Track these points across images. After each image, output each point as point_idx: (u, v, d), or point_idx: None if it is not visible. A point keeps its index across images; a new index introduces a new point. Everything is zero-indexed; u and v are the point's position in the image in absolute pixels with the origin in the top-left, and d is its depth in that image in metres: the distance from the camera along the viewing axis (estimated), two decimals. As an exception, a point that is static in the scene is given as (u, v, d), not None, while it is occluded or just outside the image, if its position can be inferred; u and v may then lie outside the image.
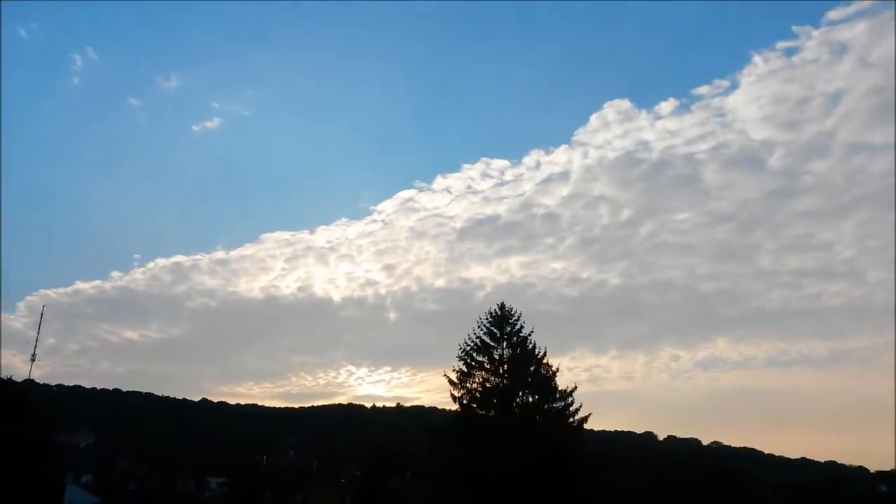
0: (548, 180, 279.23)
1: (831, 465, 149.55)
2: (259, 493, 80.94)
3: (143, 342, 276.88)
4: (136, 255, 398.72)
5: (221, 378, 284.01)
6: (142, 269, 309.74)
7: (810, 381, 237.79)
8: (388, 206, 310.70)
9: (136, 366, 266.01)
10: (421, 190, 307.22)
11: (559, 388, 40.81)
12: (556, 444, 38.81)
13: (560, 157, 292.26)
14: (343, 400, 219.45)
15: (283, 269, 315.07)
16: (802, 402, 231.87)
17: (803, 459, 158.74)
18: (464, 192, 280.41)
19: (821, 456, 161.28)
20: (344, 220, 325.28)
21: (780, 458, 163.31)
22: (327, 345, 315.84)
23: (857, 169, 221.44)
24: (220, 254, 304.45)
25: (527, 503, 35.74)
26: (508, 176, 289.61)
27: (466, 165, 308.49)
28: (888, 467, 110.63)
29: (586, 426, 41.30)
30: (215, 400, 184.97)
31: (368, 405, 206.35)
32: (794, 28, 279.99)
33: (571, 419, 40.18)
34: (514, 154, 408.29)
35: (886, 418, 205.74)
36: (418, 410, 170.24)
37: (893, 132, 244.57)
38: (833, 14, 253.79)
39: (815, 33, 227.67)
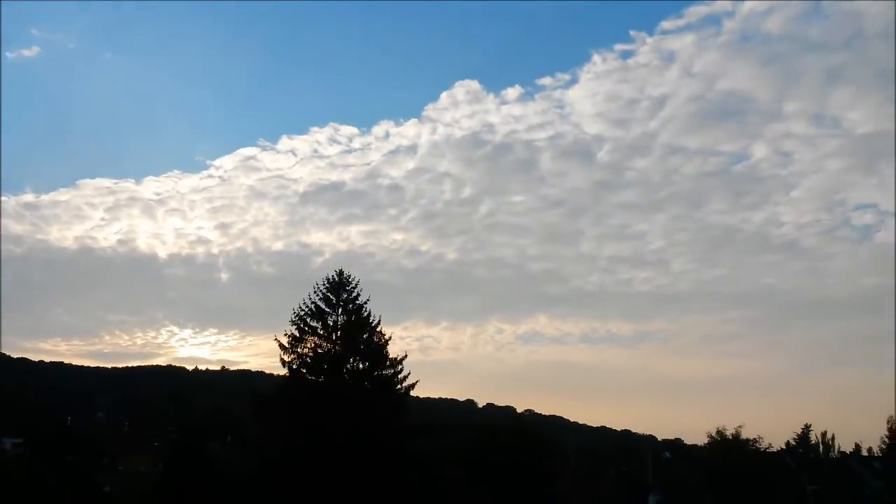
0: (395, 152, 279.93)
1: (626, 433, 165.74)
2: (61, 455, 75.22)
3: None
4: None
5: (23, 332, 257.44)
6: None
7: (615, 358, 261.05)
8: (227, 162, 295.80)
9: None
10: (264, 149, 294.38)
11: (390, 356, 41.88)
12: (382, 409, 39.90)
13: (409, 131, 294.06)
14: (162, 361, 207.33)
15: (103, 219, 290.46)
16: (607, 377, 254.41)
17: (603, 427, 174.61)
18: (310, 155, 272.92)
19: (618, 425, 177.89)
20: (176, 172, 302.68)
21: (584, 425, 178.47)
22: (148, 303, 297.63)
23: (672, 169, 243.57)
24: (29, 196, 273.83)
25: (350, 467, 36.46)
26: (357, 144, 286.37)
27: (315, 129, 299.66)
28: (673, 436, 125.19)
29: (413, 393, 42.88)
30: (15, 356, 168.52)
31: (190, 367, 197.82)
32: (631, 32, 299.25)
33: (399, 386, 41.44)
34: (364, 122, 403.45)
35: (676, 393, 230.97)
36: (244, 374, 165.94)
37: (706, 138, 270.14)
38: (666, 24, 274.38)
39: (649, 40, 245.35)
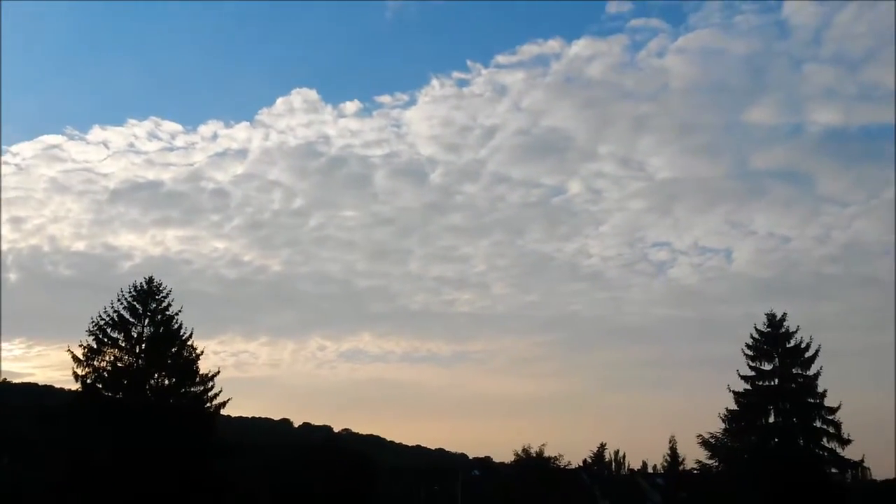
0: (223, 154, 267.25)
1: (440, 452, 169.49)
2: None
3: None
4: None
5: None
6: None
7: (434, 377, 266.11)
8: (25, 150, 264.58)
9: None
10: (72, 138, 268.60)
11: (201, 372, 39.81)
12: (188, 428, 37.69)
13: (240, 134, 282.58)
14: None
15: None
16: (425, 396, 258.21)
17: (418, 446, 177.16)
18: (124, 149, 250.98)
19: (433, 443, 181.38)
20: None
21: (400, 444, 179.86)
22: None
23: (497, 196, 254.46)
24: None
25: (147, 490, 33.98)
26: (180, 142, 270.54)
27: (132, 121, 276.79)
28: (483, 454, 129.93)
29: (225, 411, 40.92)
30: None
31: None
32: (468, 62, 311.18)
33: (209, 404, 39.44)
34: (190, 120, 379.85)
35: (489, 412, 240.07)
36: (29, 388, 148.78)
37: (529, 170, 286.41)
38: (501, 58, 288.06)
39: (484, 71, 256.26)
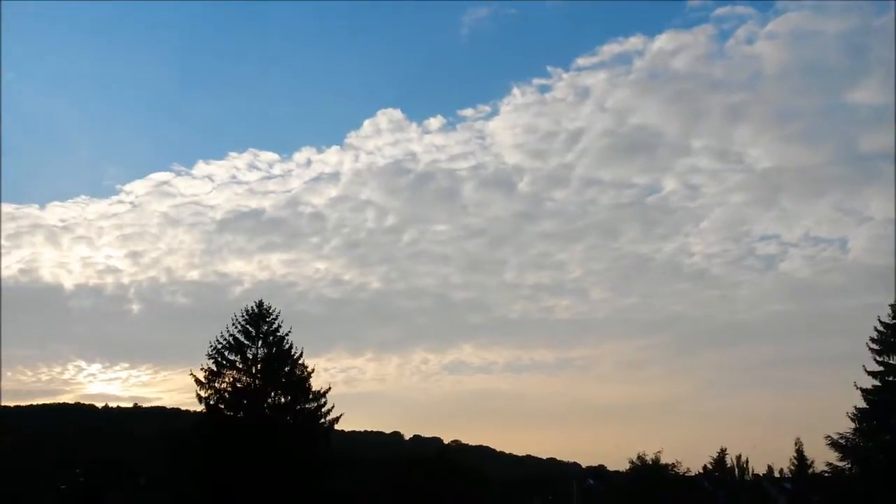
0: (317, 179, 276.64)
1: (551, 462, 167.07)
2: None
3: None
4: None
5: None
6: None
7: (539, 385, 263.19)
8: (138, 188, 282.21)
9: None
10: (179, 174, 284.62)
11: (314, 389, 41.07)
12: (305, 444, 38.93)
13: (331, 158, 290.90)
14: (69, 398, 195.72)
15: (4, 247, 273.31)
16: (531, 404, 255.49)
17: (528, 456, 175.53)
18: (227, 181, 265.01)
19: (543, 453, 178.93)
20: (83, 197, 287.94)
21: (510, 455, 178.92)
22: (53, 337, 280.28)
23: (588, 200, 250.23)
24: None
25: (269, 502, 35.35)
26: (277, 170, 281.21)
27: (233, 154, 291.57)
28: (596, 462, 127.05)
29: (338, 426, 42.04)
30: None
31: (100, 405, 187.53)
32: (548, 68, 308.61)
33: (323, 420, 40.59)
34: (285, 149, 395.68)
35: (598, 419, 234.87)
36: (158, 411, 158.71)
37: (619, 171, 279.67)
38: (581, 60, 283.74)
39: (565, 75, 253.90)
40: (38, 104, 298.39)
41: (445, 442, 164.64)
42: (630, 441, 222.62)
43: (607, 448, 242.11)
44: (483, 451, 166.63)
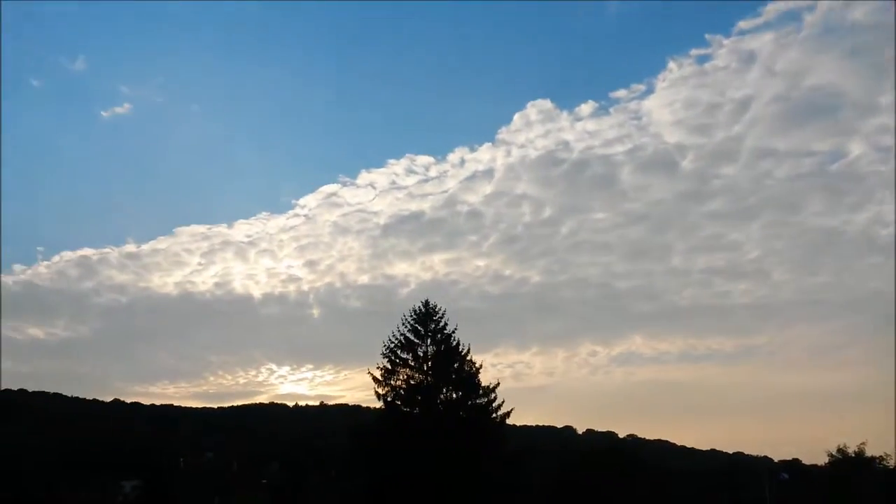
0: (472, 178, 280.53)
1: (738, 456, 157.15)
2: (176, 496, 78.50)
3: (49, 340, 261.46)
4: (40, 248, 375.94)
5: (134, 378, 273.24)
6: (46, 262, 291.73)
7: (718, 375, 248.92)
8: (310, 201, 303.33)
9: (43, 365, 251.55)
10: (345, 184, 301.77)
11: (482, 385, 41.59)
12: (478, 439, 39.48)
13: (484, 155, 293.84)
14: (264, 399, 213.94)
15: (200, 263, 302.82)
16: (711, 395, 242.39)
17: (712, 450, 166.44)
18: (388, 187, 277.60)
19: (729, 447, 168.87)
20: (264, 214, 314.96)
21: (692, 449, 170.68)
22: (247, 343, 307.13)
23: (762, 173, 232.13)
24: (130, 247, 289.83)
25: (448, 497, 36.16)
26: (433, 172, 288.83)
27: (391, 161, 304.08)
28: (789, 456, 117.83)
29: (509, 421, 42.20)
30: (128, 400, 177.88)
31: (291, 404, 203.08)
32: (706, 36, 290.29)
33: (494, 415, 40.97)
34: (439, 150, 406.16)
35: (788, 410, 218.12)
36: (342, 409, 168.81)
37: (796, 139, 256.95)
38: (743, 24, 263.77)
39: (725, 41, 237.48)
40: (218, 133, 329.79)
41: (620, 436, 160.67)
42: (827, 432, 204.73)
43: (801, 440, 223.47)
44: (662, 446, 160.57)
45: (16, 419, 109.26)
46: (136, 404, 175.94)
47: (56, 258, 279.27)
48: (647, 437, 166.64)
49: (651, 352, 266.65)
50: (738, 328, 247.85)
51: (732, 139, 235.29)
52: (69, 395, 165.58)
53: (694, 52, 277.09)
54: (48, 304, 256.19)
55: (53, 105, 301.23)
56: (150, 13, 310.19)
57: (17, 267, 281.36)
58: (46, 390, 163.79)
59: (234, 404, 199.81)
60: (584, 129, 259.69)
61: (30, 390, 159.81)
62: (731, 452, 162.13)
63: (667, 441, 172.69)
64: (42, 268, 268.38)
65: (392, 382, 41.73)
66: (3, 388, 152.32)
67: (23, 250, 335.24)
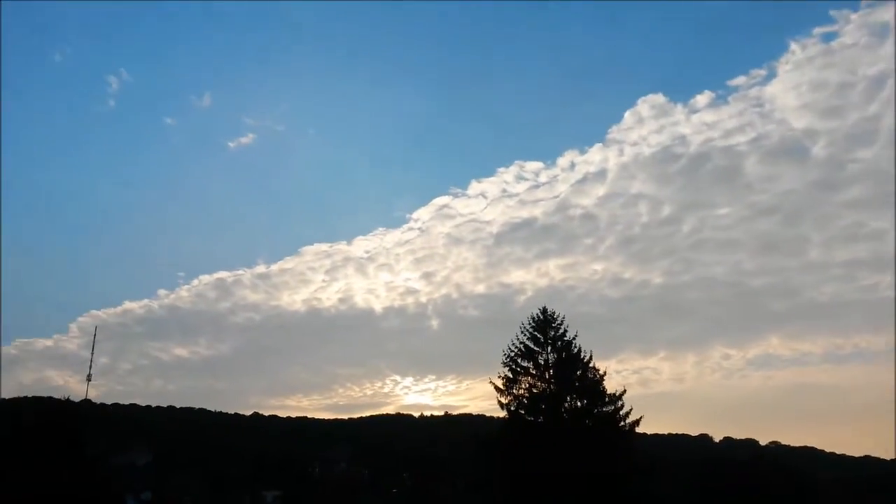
0: (583, 180, 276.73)
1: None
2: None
3: (192, 359, 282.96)
4: (181, 273, 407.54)
5: (270, 392, 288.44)
6: (187, 286, 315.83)
7: (869, 376, 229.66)
8: (423, 214, 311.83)
9: (188, 382, 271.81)
10: (456, 196, 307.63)
11: (608, 392, 40.36)
12: (607, 448, 38.25)
13: (595, 156, 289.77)
14: (391, 410, 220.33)
15: (324, 280, 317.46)
16: (862, 399, 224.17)
17: (867, 457, 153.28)
18: (499, 196, 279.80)
19: (886, 454, 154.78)
20: (381, 229, 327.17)
21: (843, 456, 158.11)
22: (371, 355, 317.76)
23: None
24: (261, 268, 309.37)
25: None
26: (543, 178, 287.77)
27: (501, 169, 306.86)
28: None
29: (638, 430, 40.62)
30: (266, 413, 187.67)
31: (416, 414, 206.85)
32: (831, 12, 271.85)
33: (622, 423, 39.58)
34: (548, 155, 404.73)
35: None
36: (466, 418, 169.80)
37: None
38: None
39: (853, 16, 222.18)
40: (333, 154, 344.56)
41: (762, 443, 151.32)
42: None
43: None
44: (808, 453, 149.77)
45: (171, 434, 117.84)
46: (273, 417, 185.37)
47: (195, 282, 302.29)
48: (791, 444, 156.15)
49: (790, 353, 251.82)
50: (888, 324, 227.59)
51: (868, 120, 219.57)
52: (213, 410, 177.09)
53: (817, 30, 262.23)
54: (190, 325, 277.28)
55: (184, 139, 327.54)
56: (267, 46, 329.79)
57: (162, 292, 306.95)
58: (192, 406, 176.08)
59: (363, 415, 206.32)
60: (701, 122, 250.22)
61: (177, 406, 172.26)
62: (889, 459, 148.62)
63: (814, 448, 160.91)
64: (183, 291, 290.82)
65: (514, 391, 41.32)
66: (153, 406, 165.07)
67: (166, 276, 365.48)
